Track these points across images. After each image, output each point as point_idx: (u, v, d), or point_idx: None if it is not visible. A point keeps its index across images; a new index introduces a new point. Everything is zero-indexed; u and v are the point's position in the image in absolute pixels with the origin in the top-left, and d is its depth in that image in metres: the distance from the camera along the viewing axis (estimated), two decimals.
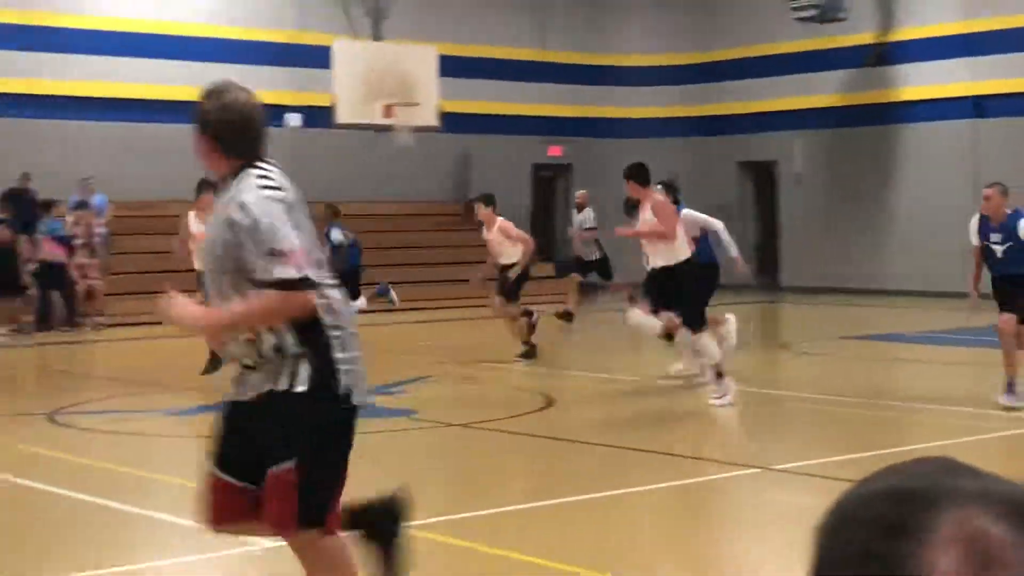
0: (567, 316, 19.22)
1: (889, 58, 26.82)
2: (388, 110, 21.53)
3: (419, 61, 22.19)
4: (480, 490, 9.04)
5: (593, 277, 20.81)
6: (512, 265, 15.86)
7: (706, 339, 12.13)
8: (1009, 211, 11.29)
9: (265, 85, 25.74)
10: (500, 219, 16.10)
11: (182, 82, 24.95)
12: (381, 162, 25.99)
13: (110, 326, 20.66)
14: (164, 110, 24.75)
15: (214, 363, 14.01)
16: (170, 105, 24.79)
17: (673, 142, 30.44)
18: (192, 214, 14.68)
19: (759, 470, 9.22)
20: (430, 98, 22.04)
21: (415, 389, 13.66)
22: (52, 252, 20.75)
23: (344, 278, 17.15)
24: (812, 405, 12.58)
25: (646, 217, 12.33)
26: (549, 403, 11.66)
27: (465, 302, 16.15)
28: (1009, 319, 11.21)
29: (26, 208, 22.02)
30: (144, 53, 24.67)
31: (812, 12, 25.84)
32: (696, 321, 12.09)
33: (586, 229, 20.56)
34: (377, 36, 23.39)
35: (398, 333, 17.51)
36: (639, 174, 12.43)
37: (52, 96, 23.71)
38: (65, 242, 21.11)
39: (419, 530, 7.49)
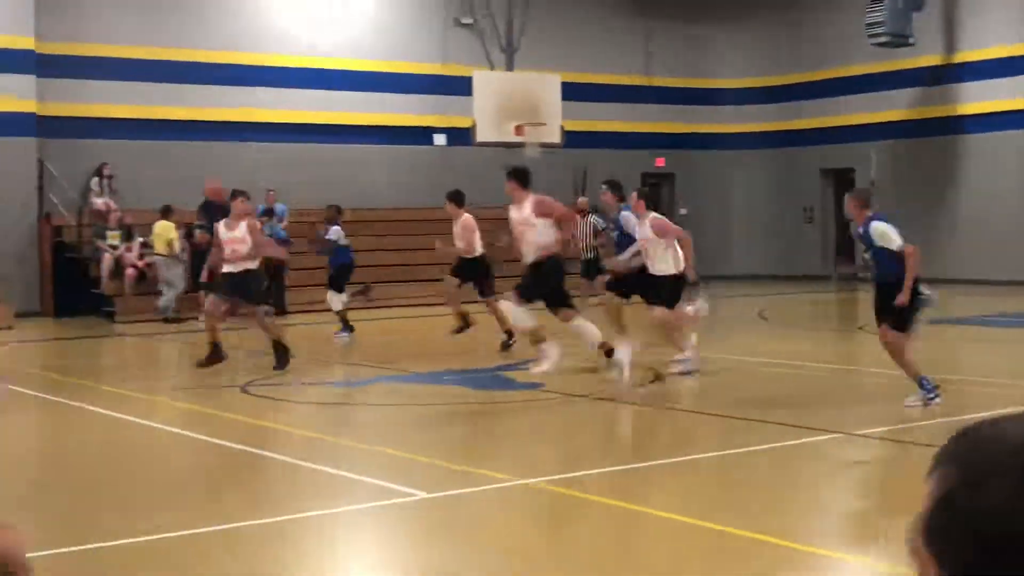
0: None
1: (951, 77, 26.33)
2: (519, 129, 21.64)
3: (545, 87, 22.26)
4: (602, 451, 9.06)
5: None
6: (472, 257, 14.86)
7: (532, 328, 11.87)
8: (869, 215, 9.97)
9: (415, 110, 26.14)
10: (465, 216, 15.04)
11: (345, 109, 25.38)
12: None
13: (291, 312, 20.30)
14: (331, 132, 25.17)
15: (213, 355, 13.40)
16: (336, 128, 25.23)
17: (763, 153, 30.21)
18: (223, 222, 13.99)
19: (839, 435, 9.12)
20: (554, 119, 22.11)
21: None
22: (275, 250, 17.89)
23: (337, 274, 16.84)
24: (881, 379, 12.40)
25: (524, 216, 11.64)
26: (657, 378, 11.61)
27: (576, 289, 15.93)
28: (884, 331, 9.80)
29: (219, 215, 22.40)
30: (315, 85, 25.06)
31: (885, 38, 25.61)
32: (564, 303, 12.05)
33: (600, 230, 18.02)
34: (510, 67, 23.53)
35: None
36: (520, 176, 11.81)
37: (239, 122, 24.21)
38: (286, 243, 19.93)
39: (550, 485, 7.56)
